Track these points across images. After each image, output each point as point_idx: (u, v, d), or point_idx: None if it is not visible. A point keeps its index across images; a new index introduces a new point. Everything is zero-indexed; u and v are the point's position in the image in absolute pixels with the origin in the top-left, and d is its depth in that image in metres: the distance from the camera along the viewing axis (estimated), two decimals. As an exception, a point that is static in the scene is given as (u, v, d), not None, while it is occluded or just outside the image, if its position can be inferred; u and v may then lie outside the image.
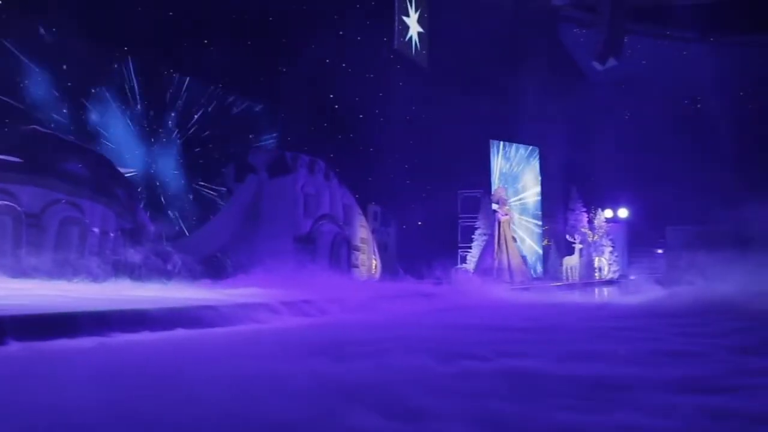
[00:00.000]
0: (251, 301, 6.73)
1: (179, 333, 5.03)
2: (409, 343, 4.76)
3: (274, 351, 4.21)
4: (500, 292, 11.65)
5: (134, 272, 9.26)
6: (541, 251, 19.23)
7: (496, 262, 15.15)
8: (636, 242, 23.54)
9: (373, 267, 14.32)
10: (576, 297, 12.76)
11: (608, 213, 21.92)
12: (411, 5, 15.90)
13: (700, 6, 19.57)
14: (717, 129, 23.33)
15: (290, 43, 13.97)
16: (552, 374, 3.43)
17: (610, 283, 19.48)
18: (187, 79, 13.08)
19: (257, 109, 14.51)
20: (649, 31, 20.63)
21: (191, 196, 13.41)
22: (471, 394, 2.94)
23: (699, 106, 24.46)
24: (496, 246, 15.02)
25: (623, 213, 23.04)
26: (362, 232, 13.98)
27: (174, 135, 13.08)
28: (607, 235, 21.00)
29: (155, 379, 3.13)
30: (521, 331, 5.82)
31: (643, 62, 21.90)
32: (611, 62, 17.08)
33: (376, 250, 14.47)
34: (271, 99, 14.45)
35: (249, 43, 13.25)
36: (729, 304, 8.25)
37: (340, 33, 15.06)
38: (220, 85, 13.70)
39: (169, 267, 9.84)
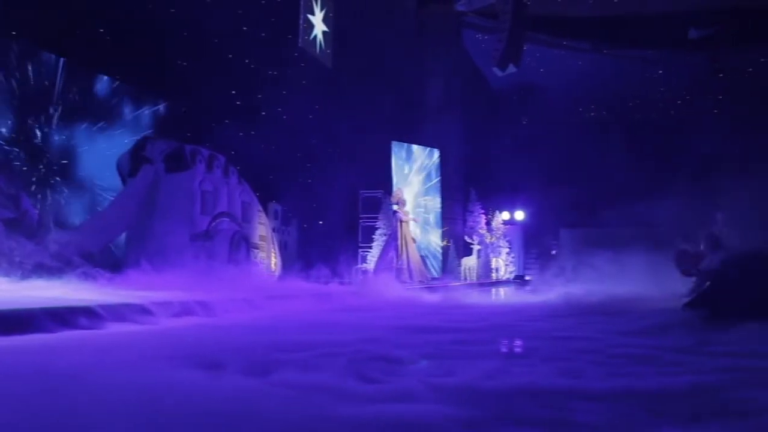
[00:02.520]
0: (133, 300, 6.43)
1: (42, 337, 4.70)
2: (310, 351, 4.38)
3: (132, 358, 3.86)
4: (401, 291, 11.80)
5: (14, 266, 8.82)
6: (440, 252, 19.58)
7: (396, 261, 15.33)
8: (531, 243, 24.35)
9: (273, 265, 14.22)
10: (482, 297, 13.04)
11: (505, 215, 22.54)
12: (316, 4, 15.88)
13: (593, 19, 20.43)
14: (608, 136, 24.43)
15: (192, 37, 13.68)
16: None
17: (506, 283, 20.03)
18: (84, 70, 12.60)
19: (158, 104, 14.13)
20: (546, 41, 21.34)
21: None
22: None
23: (592, 113, 25.53)
24: (396, 246, 15.19)
25: (520, 215, 23.75)
26: (262, 230, 13.86)
27: (67, 126, 12.53)
28: (504, 236, 21.58)
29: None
30: (450, 332, 5.84)
31: (541, 70, 22.64)
32: (511, 68, 17.58)
33: (276, 248, 14.38)
34: (171, 93, 14.11)
35: (149, 36, 12.88)
36: (626, 302, 8.67)
37: (244, 29, 14.88)
38: (117, 77, 13.27)
39: (55, 261, 9.41)
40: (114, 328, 5.49)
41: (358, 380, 3.28)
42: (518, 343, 5.08)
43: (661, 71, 22.66)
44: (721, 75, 21.77)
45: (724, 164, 21.17)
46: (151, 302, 6.42)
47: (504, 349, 4.82)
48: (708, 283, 8.01)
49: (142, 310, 6.17)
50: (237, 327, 6.17)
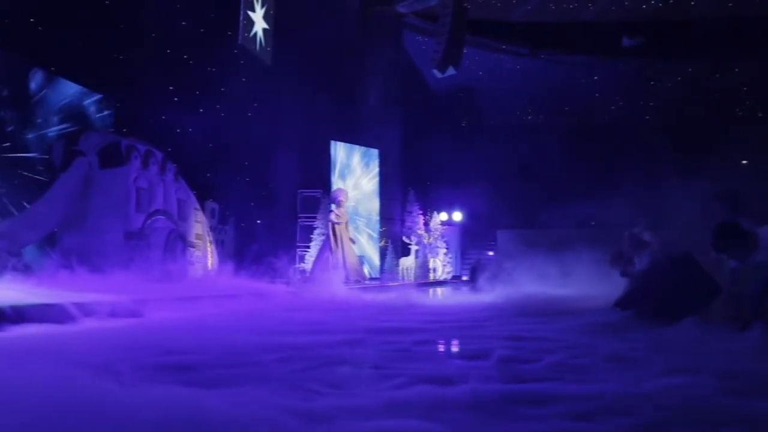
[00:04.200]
0: (53, 300, 6.25)
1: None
2: (244, 356, 4.16)
3: (30, 359, 3.70)
4: (341, 291, 11.80)
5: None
6: (378, 252, 19.66)
7: (333, 261, 15.33)
8: (469, 244, 24.66)
9: (209, 264, 14.06)
10: (425, 297, 13.13)
11: (443, 216, 22.76)
12: (257, 1, 15.75)
13: (531, 25, 20.83)
14: (545, 139, 24.96)
15: (129, 30, 13.41)
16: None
17: (444, 283, 20.22)
18: (16, 60, 12.20)
19: (93, 97, 13.79)
20: (486, 44, 21.66)
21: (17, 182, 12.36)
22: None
23: (530, 117, 26.03)
24: (332, 246, 15.19)
25: (458, 216, 24.02)
26: (198, 229, 13.68)
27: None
28: (442, 237, 21.77)
29: None
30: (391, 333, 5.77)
31: (480, 73, 22.96)
32: (450, 71, 17.77)
33: (212, 247, 14.21)
34: (107, 87, 13.79)
35: (85, 28, 12.56)
36: (566, 302, 8.88)
37: (183, 24, 14.67)
38: (52, 69, 12.89)
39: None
40: (30, 330, 5.32)
41: (299, 391, 3.09)
42: (480, 343, 5.01)
43: (596, 77, 23.24)
44: (651, 83, 22.48)
45: (656, 168, 21.96)
46: (71, 303, 6.24)
47: (470, 349, 4.79)
48: (635, 285, 8.30)
49: (61, 311, 5.99)
50: (157, 328, 6.05)
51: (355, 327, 6.31)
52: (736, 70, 21.87)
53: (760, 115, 24.14)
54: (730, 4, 18.94)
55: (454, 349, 5.01)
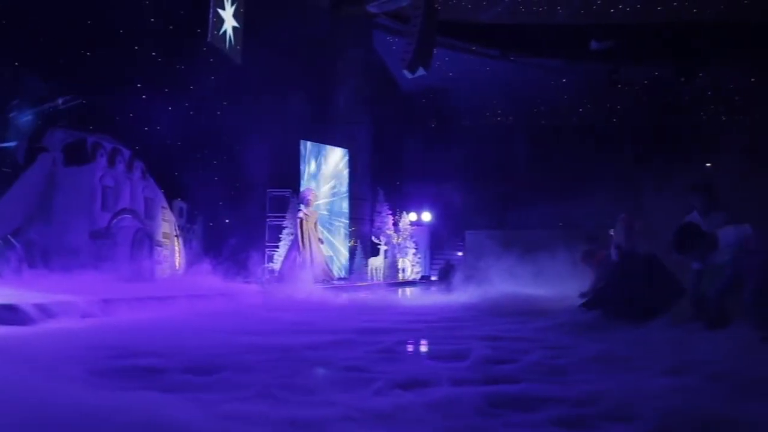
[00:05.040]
0: (12, 301, 6.07)
1: None
2: (219, 357, 4.03)
3: None
4: (310, 291, 11.75)
5: None
6: (347, 252, 19.63)
7: (301, 261, 15.26)
8: (437, 245, 24.75)
9: (177, 264, 13.93)
10: (398, 297, 13.13)
11: (413, 216, 22.80)
12: (227, -1, 15.63)
13: (502, 27, 20.96)
14: (515, 140, 25.17)
15: (96, 26, 13.22)
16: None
17: (414, 283, 20.26)
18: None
19: (60, 93, 13.56)
20: (456, 46, 21.73)
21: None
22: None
23: (499, 118, 26.19)
24: (300, 245, 15.12)
25: (427, 216, 24.08)
26: (166, 228, 13.54)
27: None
28: (411, 237, 21.80)
29: None
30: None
31: (450, 74, 23.03)
32: (420, 72, 17.77)
33: (180, 246, 14.08)
34: (74, 84, 13.58)
35: (51, 23, 12.36)
36: (533, 302, 8.94)
37: (152, 20, 14.50)
38: (16, 64, 12.66)
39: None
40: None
41: (269, 398, 2.93)
42: (463, 344, 4.96)
43: (564, 80, 23.46)
44: (618, 86, 22.75)
45: (623, 170, 22.25)
46: (32, 303, 6.08)
47: (454, 350, 4.69)
48: (601, 285, 8.41)
49: (21, 312, 5.85)
50: (125, 328, 5.94)
51: (335, 327, 6.25)
52: (701, 74, 22.23)
53: (723, 119, 24.57)
54: (695, 11, 19.24)
55: (437, 349, 4.92)
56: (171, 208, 14.07)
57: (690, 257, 6.41)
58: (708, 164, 21.25)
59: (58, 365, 3.54)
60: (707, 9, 19.11)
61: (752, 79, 22.28)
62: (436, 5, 17.76)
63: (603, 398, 2.97)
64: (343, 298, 11.35)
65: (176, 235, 13.98)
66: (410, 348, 5.08)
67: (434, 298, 11.42)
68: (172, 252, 13.77)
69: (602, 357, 4.22)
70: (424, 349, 5.08)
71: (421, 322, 6.85)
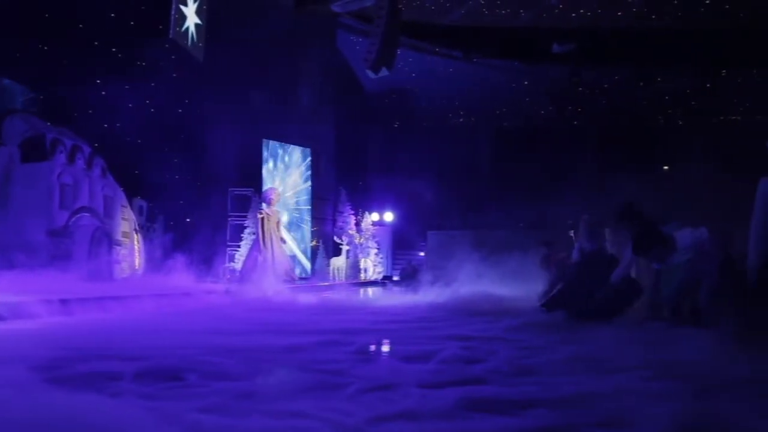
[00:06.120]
0: None
1: None
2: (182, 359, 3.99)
3: None
4: (274, 291, 11.68)
5: None
6: (309, 252, 19.56)
7: (262, 260, 15.14)
8: (400, 245, 24.79)
9: (137, 263, 13.74)
10: (364, 297, 13.11)
11: (375, 216, 22.80)
12: (190, -5, 15.45)
13: (465, 29, 21.07)
14: (476, 141, 25.33)
15: (55, 20, 12.97)
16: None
17: (376, 283, 20.26)
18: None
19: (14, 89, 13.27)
20: (419, 46, 21.79)
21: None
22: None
23: (461, 119, 26.35)
24: (261, 245, 15.01)
25: (389, 217, 24.10)
26: (125, 226, 13.36)
27: None
28: (373, 237, 21.81)
29: None
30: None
31: (413, 75, 23.09)
32: (384, 72, 17.74)
33: (140, 245, 13.89)
34: (32, 79, 13.30)
35: (8, 17, 12.08)
36: (498, 302, 9.00)
37: (111, 15, 14.29)
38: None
39: None
40: None
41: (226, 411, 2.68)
42: (437, 344, 4.89)
43: (526, 82, 23.69)
44: (579, 89, 23.06)
45: (582, 172, 22.56)
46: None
47: (430, 351, 4.54)
48: (561, 287, 8.52)
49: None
50: (68, 330, 5.80)
51: (306, 328, 6.17)
52: (659, 79, 22.66)
53: (680, 123, 25.06)
54: (653, 17, 19.58)
55: (411, 349, 4.76)
56: (131, 207, 13.88)
57: (650, 259, 6.54)
58: (665, 167, 21.68)
59: (5, 367, 3.41)
60: (665, 16, 19.47)
61: (707, 85, 22.78)
62: (399, 6, 17.77)
63: (586, 400, 2.95)
64: (309, 298, 11.29)
65: (136, 234, 13.79)
66: (388, 349, 5.05)
67: (401, 298, 11.41)
68: (132, 251, 13.58)
69: (580, 357, 4.21)
70: (402, 349, 4.98)
71: (396, 322, 6.83)
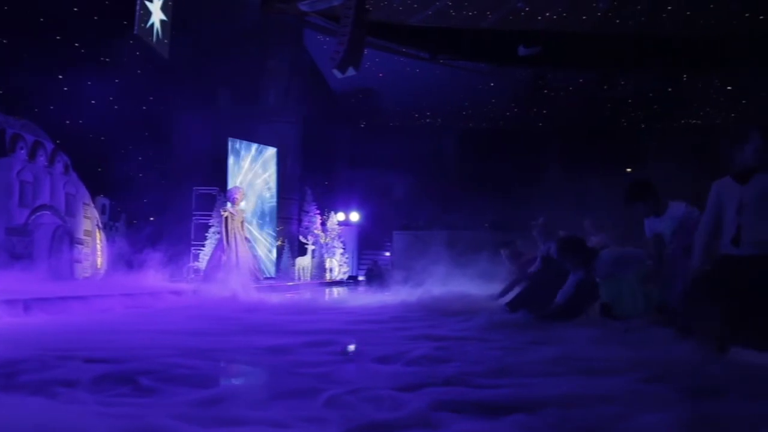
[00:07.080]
0: None
1: None
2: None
3: None
4: (240, 290, 11.57)
5: None
6: (275, 251, 19.45)
7: (226, 260, 15.00)
8: (365, 245, 24.83)
9: (99, 263, 13.52)
10: (333, 297, 13.03)
11: (341, 216, 22.77)
12: (154, -9, 15.24)
13: (432, 30, 21.15)
14: (443, 142, 25.48)
15: (15, 13, 12.68)
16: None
17: (342, 283, 20.21)
18: None
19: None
20: (387, 47, 21.80)
21: None
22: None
23: (428, 120, 26.46)
24: (225, 244, 14.88)
25: (355, 217, 24.10)
26: (87, 225, 13.13)
27: None
28: (339, 237, 21.77)
29: None
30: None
31: (380, 75, 23.10)
32: (350, 72, 17.72)
33: (103, 244, 13.67)
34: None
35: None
36: (465, 301, 9.02)
37: (75, 9, 14.03)
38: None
39: None
40: None
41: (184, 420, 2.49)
42: (414, 344, 4.85)
43: (492, 83, 23.85)
44: (545, 91, 23.31)
45: (547, 173, 22.82)
46: None
47: (415, 350, 4.48)
48: (525, 287, 8.63)
49: None
50: (28, 331, 5.60)
51: (276, 329, 6.06)
52: (622, 83, 23.01)
53: (642, 126, 25.52)
54: (617, 21, 19.85)
55: (387, 350, 4.57)
56: (94, 205, 13.65)
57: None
58: (628, 169, 22.01)
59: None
60: (629, 20, 19.76)
61: (669, 89, 23.20)
62: (367, 6, 17.75)
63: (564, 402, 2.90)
64: (276, 298, 11.21)
65: (99, 232, 13.56)
66: (363, 349, 4.94)
67: (371, 298, 11.35)
68: (94, 250, 13.35)
69: (560, 358, 4.20)
70: (377, 349, 4.85)
71: (370, 322, 6.76)
